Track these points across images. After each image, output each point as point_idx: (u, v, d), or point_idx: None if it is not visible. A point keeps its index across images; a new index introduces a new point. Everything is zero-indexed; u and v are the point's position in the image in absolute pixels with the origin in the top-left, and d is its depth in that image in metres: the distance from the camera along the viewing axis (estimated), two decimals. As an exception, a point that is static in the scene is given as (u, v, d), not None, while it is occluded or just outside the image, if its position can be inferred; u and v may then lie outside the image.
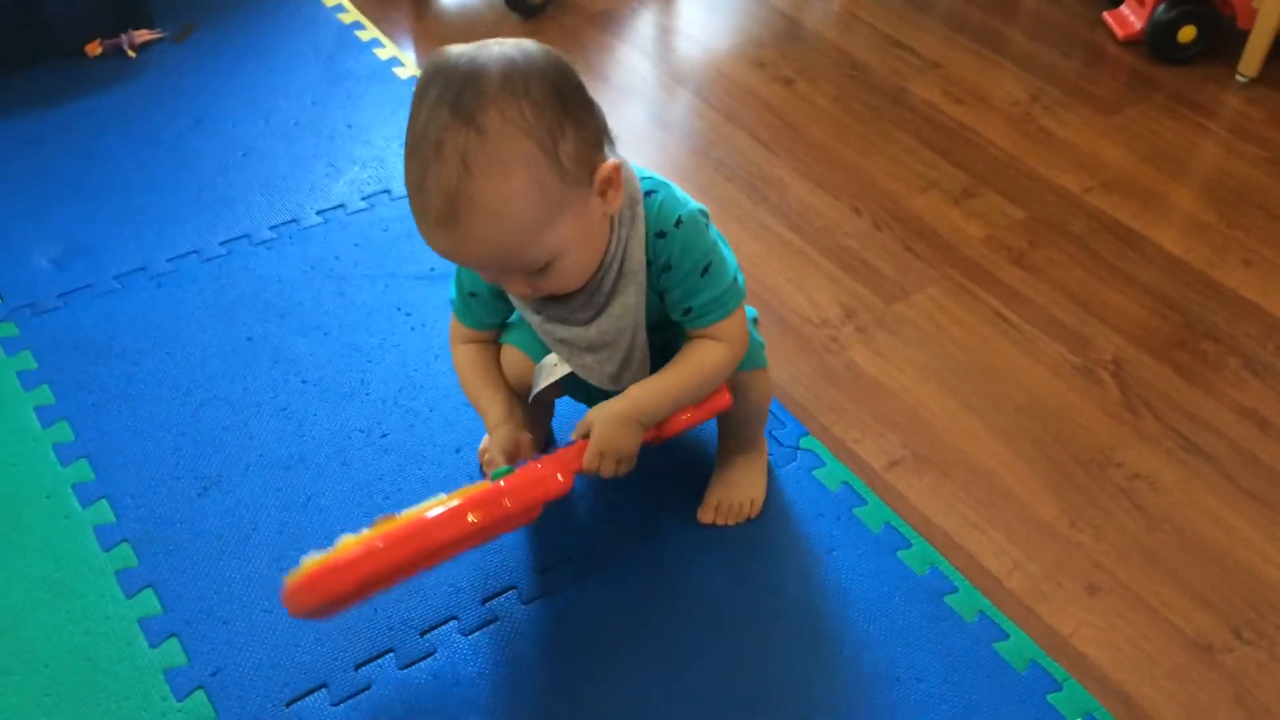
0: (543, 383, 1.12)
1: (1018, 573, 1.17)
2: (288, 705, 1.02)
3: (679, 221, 1.01)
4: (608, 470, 1.04)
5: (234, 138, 1.67)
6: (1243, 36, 1.91)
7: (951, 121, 1.83)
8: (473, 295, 1.08)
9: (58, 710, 1.00)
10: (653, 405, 1.04)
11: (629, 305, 1.02)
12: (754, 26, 2.07)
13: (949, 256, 1.56)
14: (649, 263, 1.01)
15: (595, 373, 1.08)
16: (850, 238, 1.58)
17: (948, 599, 1.13)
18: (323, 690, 1.03)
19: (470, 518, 0.94)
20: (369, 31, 1.92)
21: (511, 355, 1.12)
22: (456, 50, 0.90)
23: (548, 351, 1.11)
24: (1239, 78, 1.93)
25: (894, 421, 1.32)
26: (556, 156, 0.90)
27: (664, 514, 1.19)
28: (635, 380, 1.09)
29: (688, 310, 1.04)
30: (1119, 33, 2.03)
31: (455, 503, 0.94)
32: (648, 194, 1.01)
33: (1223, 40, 1.95)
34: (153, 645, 1.05)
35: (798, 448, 1.28)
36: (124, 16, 1.82)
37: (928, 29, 2.07)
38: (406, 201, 1.53)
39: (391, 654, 1.06)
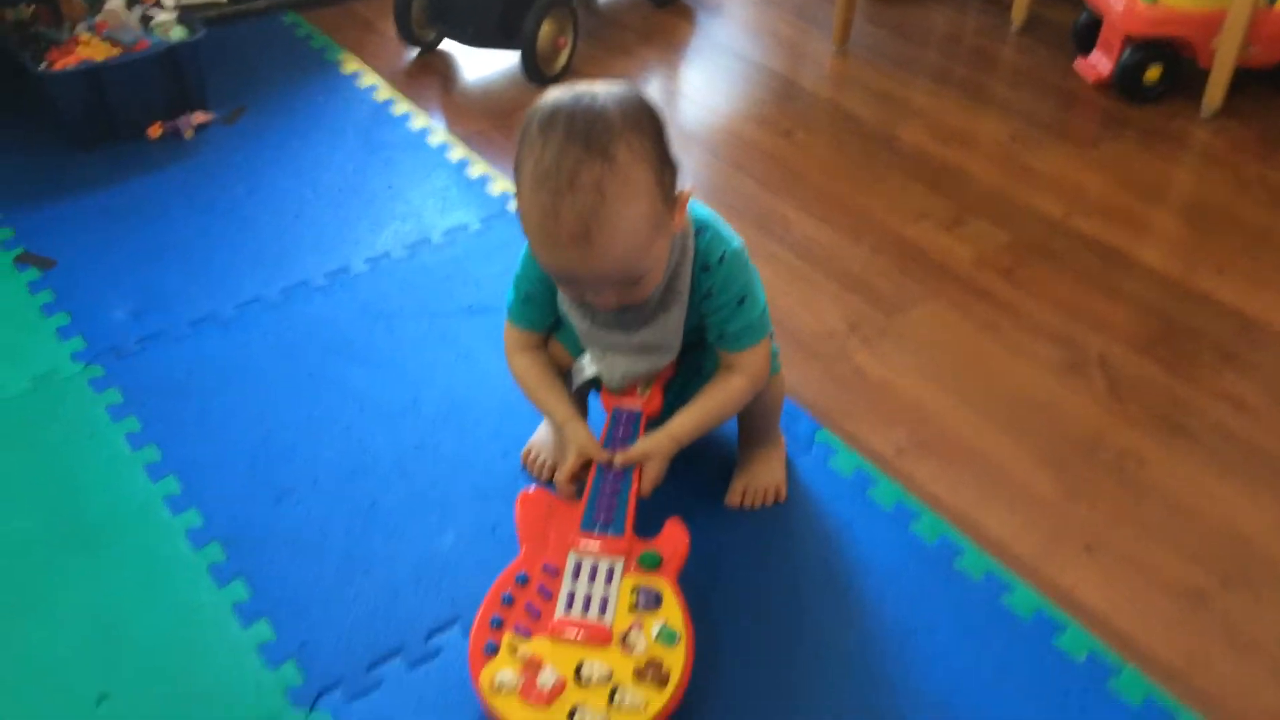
0: (577, 381, 1.26)
1: (1020, 538, 1.28)
2: (368, 669, 1.13)
3: (723, 258, 1.16)
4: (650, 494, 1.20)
5: (285, 203, 1.84)
6: (1204, 74, 2.08)
7: (939, 161, 1.99)
8: (528, 299, 1.23)
9: (162, 688, 1.11)
10: (689, 439, 1.21)
11: (671, 320, 1.17)
12: (753, 89, 2.25)
13: (942, 275, 1.70)
14: (693, 289, 1.16)
15: (618, 373, 1.22)
16: (851, 262, 1.73)
17: (956, 562, 1.25)
18: (398, 656, 1.14)
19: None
20: (401, 106, 2.10)
21: (556, 348, 1.27)
22: (569, 94, 1.04)
23: (583, 351, 1.25)
24: (1205, 110, 2.09)
25: (899, 417, 1.45)
26: (664, 182, 1.06)
27: (693, 499, 1.31)
28: (651, 382, 1.24)
29: (721, 335, 1.19)
30: (1090, 78, 2.21)
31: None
32: (698, 231, 1.17)
33: (1185, 79, 2.12)
34: (244, 626, 1.17)
35: (813, 441, 1.40)
36: (181, 101, 2.00)
37: (914, 85, 2.25)
38: (446, 249, 1.71)
39: (458, 624, 1.17)
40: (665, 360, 1.22)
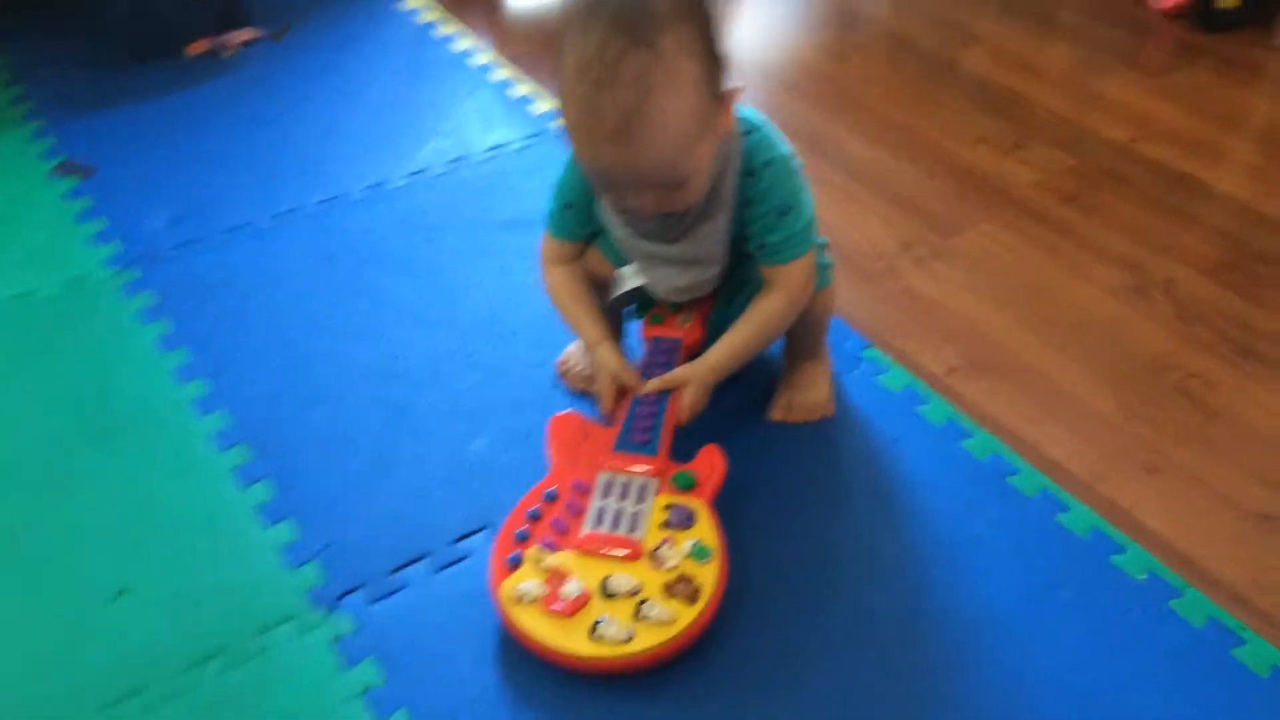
0: (620, 290, 1.21)
1: (1077, 458, 1.22)
2: (393, 572, 1.10)
3: (768, 163, 1.10)
4: (688, 422, 1.15)
5: (325, 118, 1.80)
6: (1285, -1, 1.97)
7: (1000, 86, 1.90)
8: (568, 206, 1.17)
9: (180, 584, 1.09)
10: (730, 366, 1.16)
11: (715, 230, 1.11)
12: (809, 15, 2.17)
13: (1001, 198, 1.63)
14: (736, 197, 1.10)
15: (665, 284, 1.17)
16: (904, 184, 1.66)
17: (1010, 479, 1.19)
18: (424, 560, 1.11)
19: None
20: (446, 28, 2.06)
21: (596, 257, 1.21)
22: None
23: (626, 260, 1.20)
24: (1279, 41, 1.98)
25: (951, 336, 1.39)
26: (712, 77, 0.99)
27: (734, 416, 1.26)
28: (698, 294, 1.19)
29: (761, 246, 1.13)
30: (1165, 5, 2.10)
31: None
32: (746, 133, 1.09)
33: (1263, 5, 2.01)
34: (267, 526, 1.15)
35: (860, 358, 1.34)
36: (225, 17, 1.97)
37: (978, 11, 2.16)
38: (486, 165, 1.66)
39: (486, 530, 1.14)
40: (710, 273, 1.16)
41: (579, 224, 1.19)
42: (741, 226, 1.13)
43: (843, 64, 1.98)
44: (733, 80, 1.03)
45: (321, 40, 2.02)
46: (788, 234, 1.12)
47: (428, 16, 2.10)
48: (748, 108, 1.11)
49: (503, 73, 1.92)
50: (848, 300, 1.43)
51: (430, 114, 1.82)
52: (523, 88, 1.88)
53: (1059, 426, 1.26)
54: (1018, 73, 1.94)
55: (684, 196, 1.04)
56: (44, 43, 2.01)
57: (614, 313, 1.29)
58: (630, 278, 1.20)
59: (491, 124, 1.79)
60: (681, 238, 1.12)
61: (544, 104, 1.83)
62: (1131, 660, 1.02)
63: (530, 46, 2.02)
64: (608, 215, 1.14)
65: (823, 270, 1.21)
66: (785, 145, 1.12)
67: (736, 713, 0.98)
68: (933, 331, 1.39)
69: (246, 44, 1.98)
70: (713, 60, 0.99)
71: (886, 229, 1.57)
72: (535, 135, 1.75)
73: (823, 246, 1.22)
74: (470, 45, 2.01)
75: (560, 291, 1.22)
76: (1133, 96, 1.87)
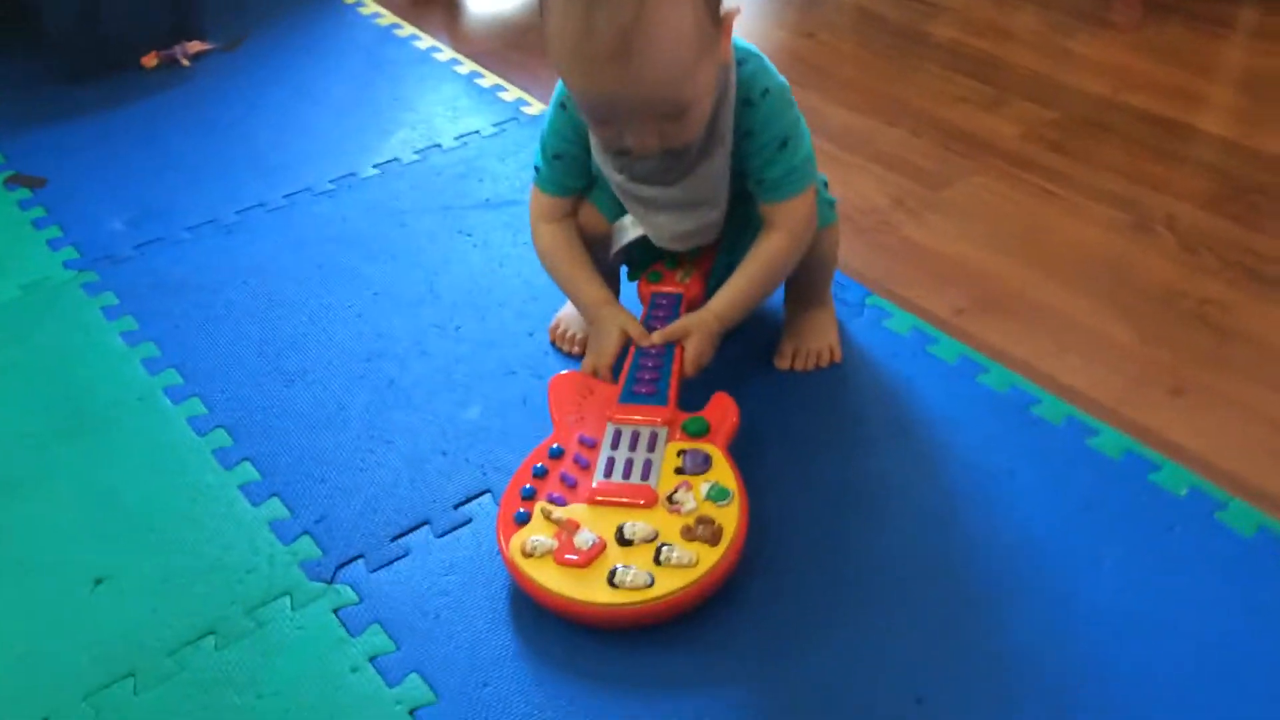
0: (621, 242, 1.15)
1: (1099, 385, 1.17)
2: (393, 540, 1.02)
3: (766, 92, 1.04)
4: (694, 374, 1.08)
5: (288, 119, 1.74)
6: (1247, -45, 1.97)
7: (974, 51, 1.88)
8: (557, 158, 1.11)
9: (163, 568, 1.01)
10: (734, 314, 1.10)
11: (714, 168, 1.05)
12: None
13: (987, 151, 1.60)
14: (734, 129, 1.04)
15: (666, 231, 1.11)
16: (889, 145, 1.62)
17: (1032, 409, 1.13)
18: (425, 527, 1.04)
19: None
20: (406, 29, 2.01)
21: (589, 213, 1.15)
22: None
23: (622, 213, 1.14)
24: (1248, -7, 1.98)
25: (953, 280, 1.34)
26: None
27: (741, 366, 1.20)
28: (701, 241, 1.13)
29: (760, 182, 1.08)
30: (1125, -30, 2.10)
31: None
32: (740, 63, 1.04)
33: (1228, -38, 2.00)
34: (255, 504, 1.07)
35: (863, 306, 1.29)
36: (178, 29, 1.91)
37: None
38: (457, 151, 1.61)
39: (488, 494, 1.07)
40: (713, 216, 1.10)
41: (571, 176, 1.13)
42: (740, 162, 1.07)
43: (810, 40, 1.95)
44: (729, 2, 0.98)
45: (278, 48, 1.96)
46: (788, 168, 1.07)
47: (386, 21, 2.05)
48: (740, 40, 1.06)
49: (468, 66, 1.88)
50: (844, 252, 1.37)
51: (395, 108, 1.76)
52: (490, 79, 1.83)
53: (1076, 357, 1.21)
54: (989, 37, 1.92)
55: (686, 128, 0.98)
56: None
57: (611, 273, 1.23)
58: (630, 228, 1.14)
59: (460, 113, 1.74)
60: (681, 179, 1.06)
61: (513, 92, 1.78)
62: (1181, 575, 0.96)
63: (493, 45, 1.98)
64: (602, 161, 1.08)
65: (826, 208, 1.16)
66: (780, 77, 1.07)
67: (764, 661, 0.91)
68: (934, 277, 1.35)
69: (200, 55, 1.92)
70: None
71: (876, 186, 1.53)
72: (507, 120, 1.70)
73: (824, 184, 1.17)
74: (433, 44, 1.96)
75: (554, 251, 1.15)
76: (1106, 53, 1.86)
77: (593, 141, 1.07)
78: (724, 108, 1.03)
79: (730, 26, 0.99)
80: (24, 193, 1.58)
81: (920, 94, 1.76)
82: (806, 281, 1.21)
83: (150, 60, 1.89)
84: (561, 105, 1.09)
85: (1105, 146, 1.59)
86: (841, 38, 1.97)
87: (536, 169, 1.14)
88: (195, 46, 1.92)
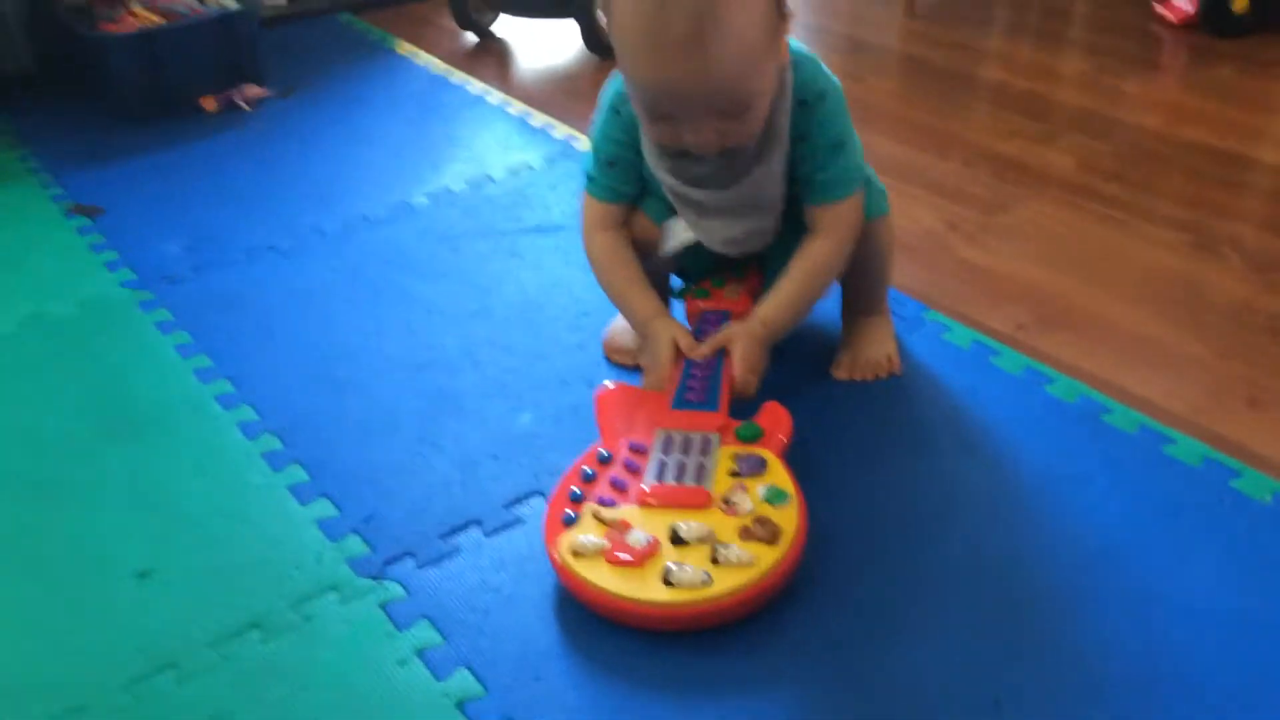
0: (670, 244, 1.13)
1: (1173, 396, 1.13)
2: (442, 538, 1.00)
3: (822, 94, 1.04)
4: (752, 389, 1.05)
5: (343, 156, 1.76)
6: (1297, 0, 1.96)
7: (1023, 90, 1.88)
8: (611, 164, 1.10)
9: (208, 563, 0.98)
10: (781, 320, 1.08)
11: (771, 171, 1.04)
12: (817, 45, 2.16)
13: (1043, 180, 1.58)
14: (790, 131, 1.03)
15: (719, 236, 1.10)
16: (943, 175, 1.61)
17: (1104, 417, 1.10)
18: (475, 526, 1.01)
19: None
20: (459, 76, 2.04)
21: (641, 223, 1.14)
22: None
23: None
24: (1301, 37, 1.97)
25: (1014, 297, 1.31)
26: None
27: (798, 378, 1.17)
28: (754, 247, 1.11)
29: (809, 184, 1.06)
30: (1173, 19, 2.10)
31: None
32: (795, 65, 1.03)
33: (1276, 9, 2.00)
34: (303, 503, 1.05)
35: (922, 320, 1.27)
36: (236, 74, 1.95)
37: (987, 35, 2.16)
38: (508, 182, 1.61)
39: (540, 495, 1.04)
40: (767, 222, 1.08)
41: (624, 182, 1.12)
42: (794, 165, 1.06)
43: (859, 84, 1.96)
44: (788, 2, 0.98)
45: (334, 95, 1.99)
46: (841, 170, 1.06)
47: (439, 69, 2.08)
48: (794, 42, 1.06)
49: (520, 107, 1.90)
50: (900, 272, 1.36)
51: (447, 144, 1.78)
52: (541, 118, 1.85)
53: (1147, 369, 1.17)
54: (1036, 79, 1.92)
55: (747, 125, 0.98)
56: (50, 113, 1.98)
57: (661, 278, 1.22)
58: (681, 231, 1.12)
59: (511, 148, 1.75)
60: (736, 182, 1.05)
61: (563, 129, 1.80)
62: (1268, 579, 0.91)
63: (545, 90, 2.00)
64: (655, 165, 1.07)
65: (879, 197, 1.13)
66: (835, 79, 1.07)
67: (830, 665, 0.86)
68: (993, 295, 1.32)
69: (256, 101, 1.96)
70: None
71: (930, 212, 1.51)
72: (558, 154, 1.71)
73: (871, 175, 1.15)
74: (485, 89, 1.98)
75: (606, 261, 1.14)
76: (1157, 92, 1.85)
77: (645, 146, 1.07)
78: (780, 109, 1.02)
79: (789, 25, 0.98)
80: (82, 220, 1.60)
81: (971, 129, 1.75)
82: (863, 284, 1.18)
83: (210, 104, 1.93)
84: (615, 109, 1.08)
85: (1164, 176, 1.57)
86: (889, 80, 1.98)
87: (590, 177, 1.13)
88: (254, 91, 1.96)
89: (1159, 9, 2.14)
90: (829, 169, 1.06)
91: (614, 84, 1.08)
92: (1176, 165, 1.59)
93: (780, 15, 0.96)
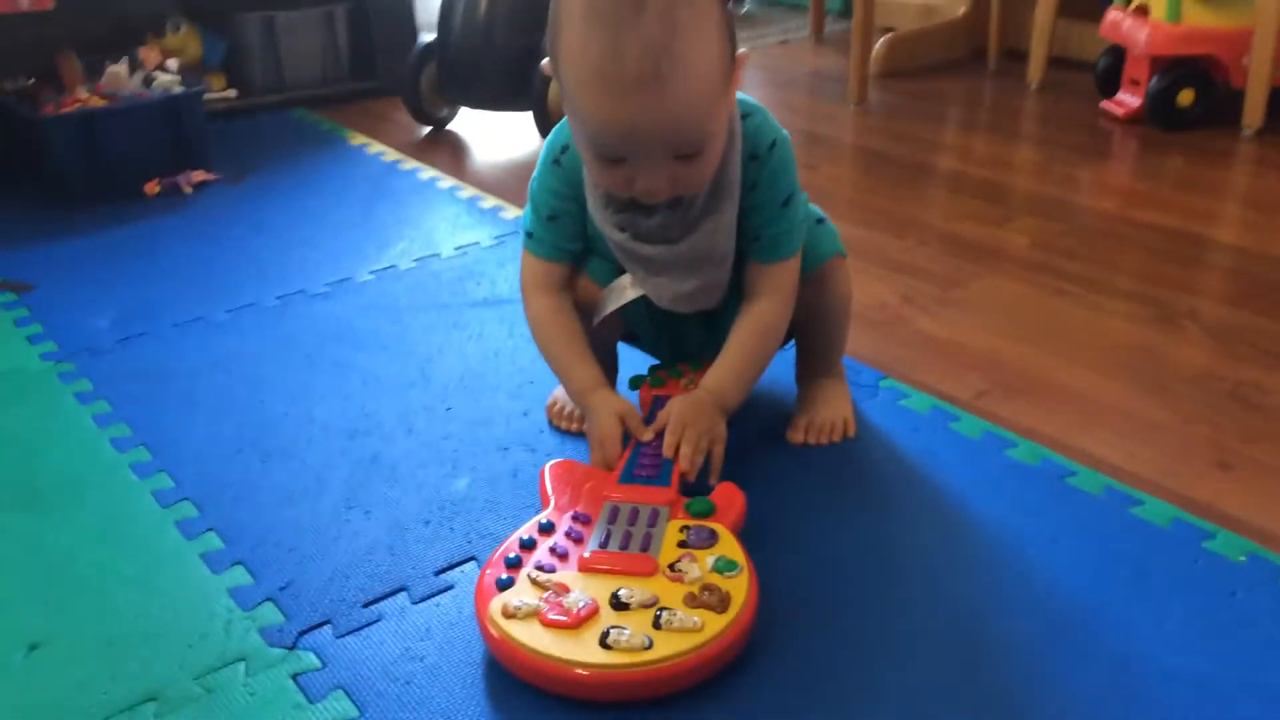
0: (612, 305, 1.09)
1: (1137, 459, 1.08)
2: (365, 605, 0.92)
3: (774, 145, 1.01)
4: (691, 445, 0.98)
5: (290, 236, 1.72)
6: (1239, 95, 1.99)
7: (977, 178, 1.88)
8: (551, 219, 1.06)
9: (106, 633, 0.90)
10: (732, 389, 1.03)
11: (723, 223, 1.00)
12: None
13: (998, 257, 1.56)
14: (740, 182, 1.00)
15: (668, 293, 1.05)
16: (898, 253, 1.59)
17: (1068, 480, 1.05)
18: (402, 593, 0.93)
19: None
20: (411, 164, 2.02)
21: (586, 288, 1.09)
22: None
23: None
24: (1245, 130, 1.99)
25: (973, 366, 1.27)
26: (731, 26, 0.92)
27: (755, 439, 1.12)
28: (706, 304, 1.07)
29: (757, 239, 1.03)
30: (1120, 113, 2.13)
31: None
32: (745, 115, 1.01)
33: (1220, 103, 2.03)
34: (215, 572, 0.96)
35: (878, 388, 1.22)
36: (182, 159, 1.92)
37: (939, 129, 2.18)
38: (456, 259, 1.57)
39: (473, 561, 0.97)
40: (718, 276, 1.04)
41: (566, 238, 1.07)
42: (742, 217, 1.02)
43: (814, 172, 1.95)
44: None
45: (283, 180, 1.96)
46: (787, 227, 1.03)
47: (391, 157, 2.06)
48: (741, 94, 1.03)
49: (470, 191, 1.87)
50: (856, 342, 1.31)
51: (395, 225, 1.74)
52: (491, 200, 1.82)
53: (1112, 434, 1.13)
54: (992, 167, 1.92)
55: (700, 170, 0.94)
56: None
57: (608, 348, 1.17)
58: (627, 289, 1.08)
59: (460, 228, 1.72)
60: (686, 235, 1.01)
61: (513, 212, 1.77)
62: (1246, 639, 0.85)
63: (498, 175, 1.99)
64: (601, 220, 1.03)
65: (829, 237, 1.10)
66: (784, 130, 1.04)
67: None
68: (951, 363, 1.28)
69: (202, 184, 1.92)
70: (725, 11, 0.92)
71: (887, 287, 1.48)
72: (507, 235, 1.68)
73: (819, 220, 1.11)
74: (436, 175, 1.96)
75: (547, 325, 1.08)
76: (1111, 179, 1.86)
77: (591, 198, 1.03)
78: (731, 160, 0.99)
79: (741, 69, 0.96)
80: (9, 296, 1.54)
81: (926, 212, 1.74)
82: (819, 339, 1.14)
83: (153, 187, 1.89)
84: (555, 161, 1.04)
85: (1120, 253, 1.55)
86: (844, 169, 1.98)
87: (529, 233, 1.09)
88: (199, 176, 1.92)
89: (1106, 105, 2.17)
90: (778, 224, 1.02)
91: (555, 136, 1.05)
92: (1132, 244, 1.58)
93: (732, 56, 0.94)
